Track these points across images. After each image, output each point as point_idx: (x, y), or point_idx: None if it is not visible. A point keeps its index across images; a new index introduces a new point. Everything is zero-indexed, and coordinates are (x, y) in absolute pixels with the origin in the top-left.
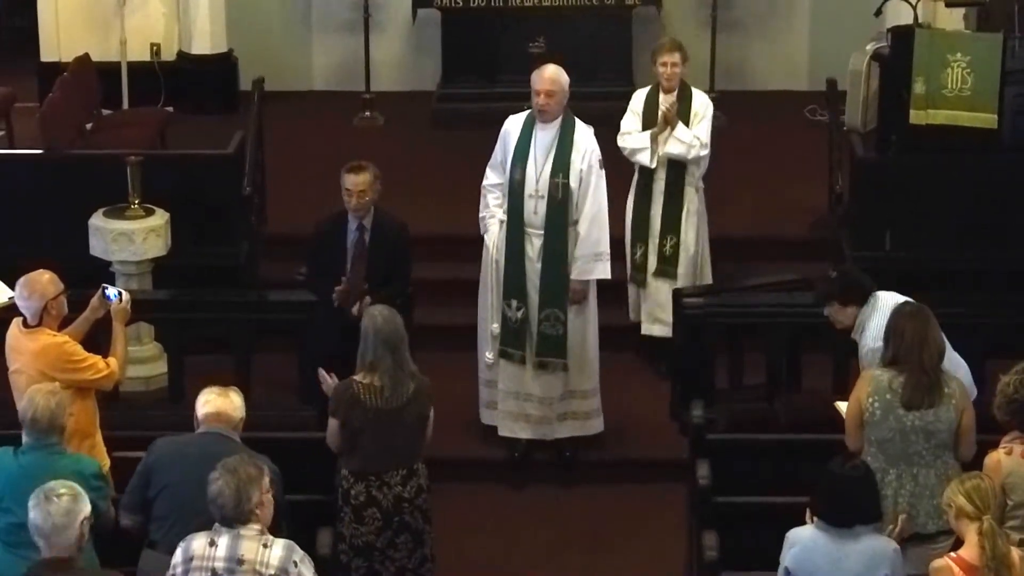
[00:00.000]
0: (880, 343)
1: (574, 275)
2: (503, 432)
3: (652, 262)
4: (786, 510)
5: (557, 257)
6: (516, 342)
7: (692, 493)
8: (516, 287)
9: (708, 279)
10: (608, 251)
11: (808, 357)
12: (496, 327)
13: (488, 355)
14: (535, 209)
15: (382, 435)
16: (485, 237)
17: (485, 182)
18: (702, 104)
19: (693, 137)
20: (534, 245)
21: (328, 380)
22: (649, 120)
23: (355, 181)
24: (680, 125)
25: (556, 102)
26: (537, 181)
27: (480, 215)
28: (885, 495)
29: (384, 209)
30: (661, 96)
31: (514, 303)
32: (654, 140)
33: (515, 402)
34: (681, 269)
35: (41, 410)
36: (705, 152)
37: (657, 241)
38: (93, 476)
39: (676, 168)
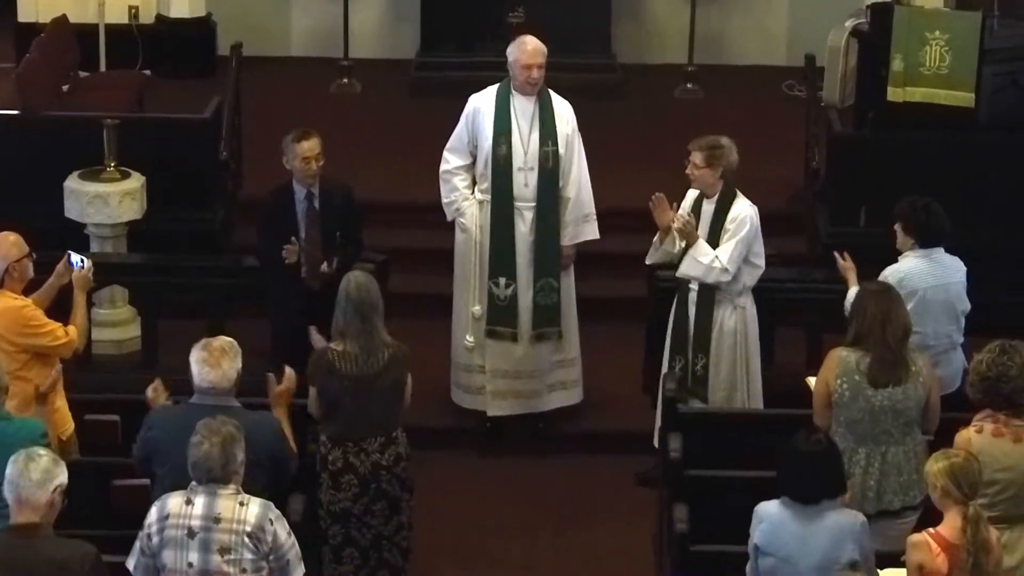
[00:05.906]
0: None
1: (566, 240)
2: (492, 412)
3: (688, 380)
4: (757, 483)
5: (551, 226)
6: (505, 320)
7: (663, 465)
8: (505, 264)
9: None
10: (594, 211)
11: (781, 332)
12: (478, 309)
13: (468, 339)
14: (525, 182)
15: (358, 402)
16: (461, 221)
17: (445, 166)
18: (736, 220)
19: (714, 259)
20: (525, 219)
21: (320, 339)
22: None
23: (310, 146)
24: (700, 243)
25: (544, 73)
26: (526, 153)
27: (446, 200)
28: (853, 474)
29: (325, 175)
30: (700, 202)
31: (502, 281)
32: (660, 242)
33: (504, 380)
34: (712, 395)
35: None
36: (726, 278)
37: (690, 358)
38: (41, 436)
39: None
